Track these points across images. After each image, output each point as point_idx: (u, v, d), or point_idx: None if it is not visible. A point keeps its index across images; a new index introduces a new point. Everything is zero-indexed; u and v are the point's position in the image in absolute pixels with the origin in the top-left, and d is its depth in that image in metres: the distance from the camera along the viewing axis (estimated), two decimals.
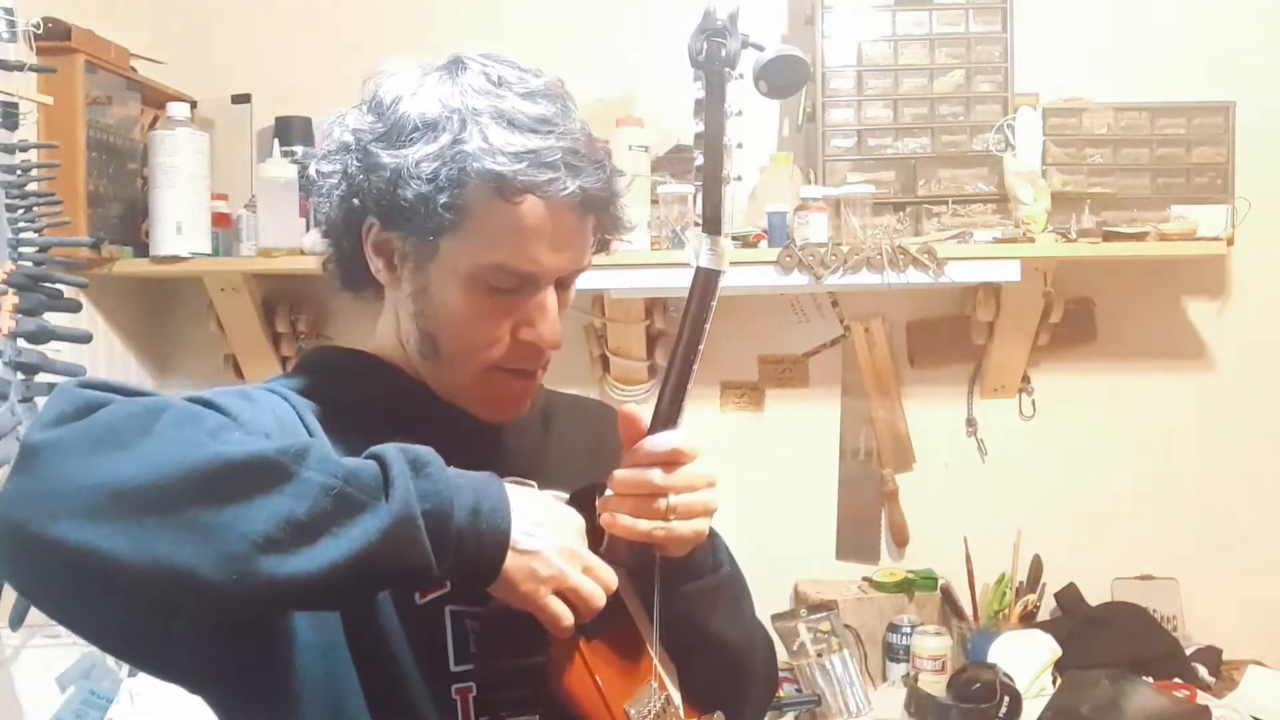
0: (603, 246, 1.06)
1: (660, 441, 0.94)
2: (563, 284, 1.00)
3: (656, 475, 0.93)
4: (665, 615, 0.98)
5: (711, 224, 0.95)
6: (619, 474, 0.95)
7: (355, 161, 0.96)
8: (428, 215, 0.92)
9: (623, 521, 0.93)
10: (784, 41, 2.57)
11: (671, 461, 0.94)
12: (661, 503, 0.93)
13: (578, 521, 0.93)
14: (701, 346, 0.95)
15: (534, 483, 1.02)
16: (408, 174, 0.92)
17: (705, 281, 0.95)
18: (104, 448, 0.76)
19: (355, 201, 0.96)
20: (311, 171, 1.00)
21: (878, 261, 2.10)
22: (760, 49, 1.10)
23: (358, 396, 1.01)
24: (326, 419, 0.96)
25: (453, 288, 0.96)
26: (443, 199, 0.91)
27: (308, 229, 2.25)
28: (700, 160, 0.96)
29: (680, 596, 1.00)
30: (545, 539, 0.88)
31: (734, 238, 2.18)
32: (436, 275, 0.96)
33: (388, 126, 0.94)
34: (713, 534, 1.05)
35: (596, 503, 0.97)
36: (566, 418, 1.15)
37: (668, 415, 0.96)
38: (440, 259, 0.95)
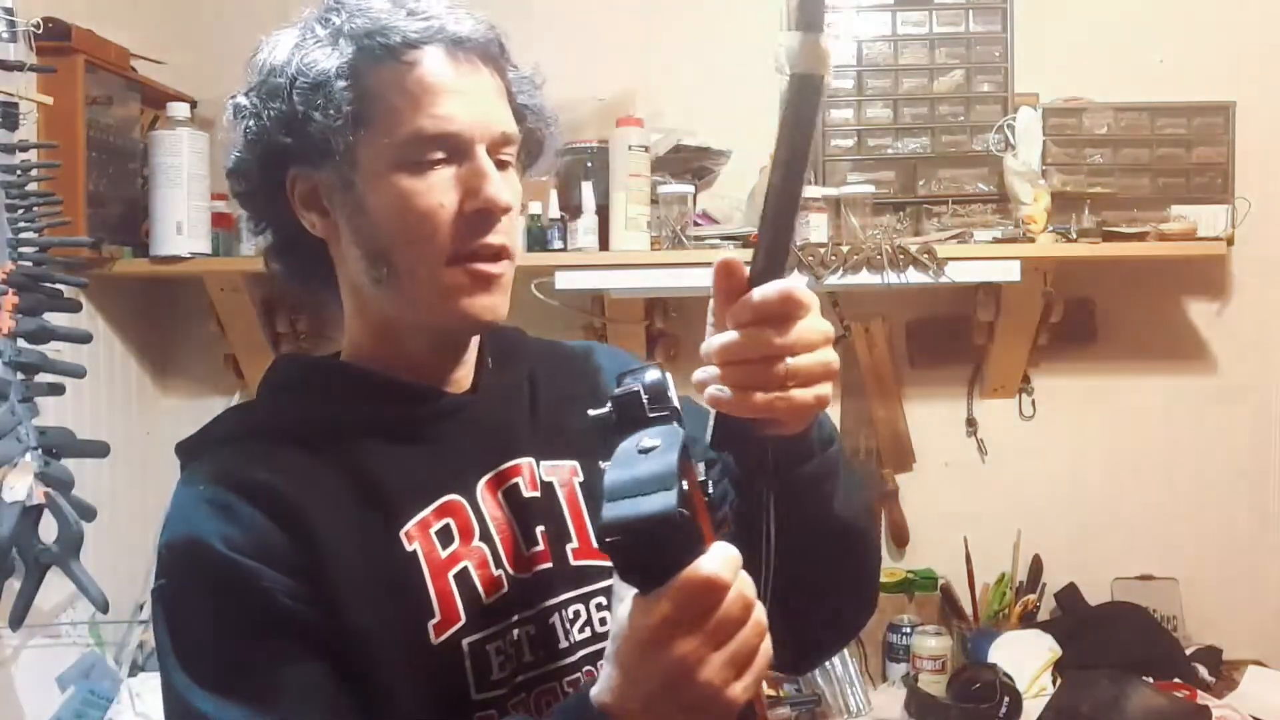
0: (530, 137, 0.99)
1: (771, 291, 0.78)
2: (496, 158, 0.93)
3: (771, 333, 0.79)
4: (783, 508, 0.83)
5: (808, 14, 0.76)
6: (720, 339, 0.80)
7: (254, 124, 0.93)
8: (335, 118, 0.88)
9: (741, 396, 0.79)
10: None
11: (786, 316, 0.79)
12: (780, 367, 0.78)
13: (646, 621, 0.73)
14: (805, 175, 0.80)
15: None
16: (299, 88, 0.90)
17: (800, 91, 0.77)
18: None
19: (269, 159, 0.93)
20: (227, 168, 0.98)
21: (878, 261, 2.09)
22: None
23: (327, 412, 0.96)
24: (302, 445, 0.91)
25: (383, 187, 0.90)
26: (340, 87, 0.89)
27: None
28: None
29: (799, 482, 0.87)
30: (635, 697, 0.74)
31: (734, 238, 2.21)
32: (365, 186, 0.91)
33: (264, 75, 0.94)
34: None
35: (667, 391, 0.80)
36: (548, 371, 1.06)
37: (770, 264, 0.80)
38: (363, 168, 0.91)
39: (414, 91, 0.89)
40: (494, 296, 0.93)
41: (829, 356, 0.81)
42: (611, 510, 0.70)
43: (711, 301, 0.83)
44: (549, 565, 0.96)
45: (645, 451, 0.74)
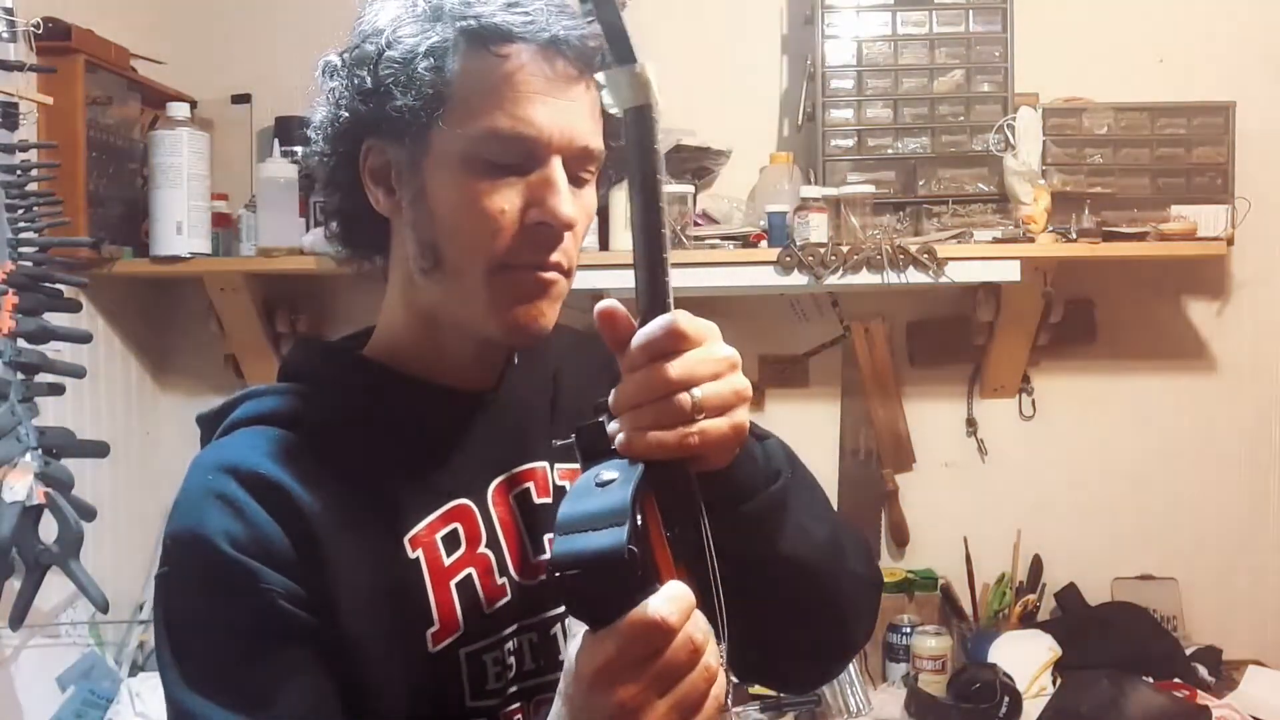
0: (616, 156, 0.93)
1: (655, 327, 0.76)
2: (575, 173, 0.88)
3: (668, 367, 0.75)
4: (724, 549, 0.78)
5: (616, 49, 0.74)
6: (619, 388, 0.77)
7: (340, 86, 0.90)
8: (415, 95, 0.85)
9: (647, 439, 0.74)
10: (784, 41, 2.59)
11: (675, 349, 0.75)
12: (684, 398, 0.74)
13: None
14: (663, 204, 0.76)
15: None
16: (386, 60, 0.86)
17: (636, 124, 0.75)
18: None
19: (347, 125, 0.90)
20: (309, 133, 0.94)
21: (878, 261, 2.09)
22: None
23: (345, 408, 0.93)
24: (314, 440, 0.90)
25: (448, 178, 0.87)
26: (423, 65, 0.85)
27: (308, 229, 2.25)
28: None
29: (740, 521, 0.83)
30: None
31: (733, 237, 2.21)
32: (432, 172, 0.88)
33: (359, 39, 0.90)
34: (760, 436, 0.88)
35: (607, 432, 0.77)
36: (573, 369, 1.03)
37: (652, 301, 0.76)
38: (433, 151, 0.87)
39: (499, 87, 0.85)
40: (542, 308, 0.90)
41: (737, 383, 0.77)
42: (561, 545, 0.69)
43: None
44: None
45: (603, 485, 0.72)
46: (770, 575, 0.86)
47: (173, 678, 0.84)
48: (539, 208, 0.86)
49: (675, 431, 0.74)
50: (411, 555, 0.88)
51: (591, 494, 0.72)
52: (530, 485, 0.96)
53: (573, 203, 0.87)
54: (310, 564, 0.84)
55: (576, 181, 0.89)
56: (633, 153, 0.75)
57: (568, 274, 0.91)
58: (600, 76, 0.72)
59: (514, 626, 0.92)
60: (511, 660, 0.92)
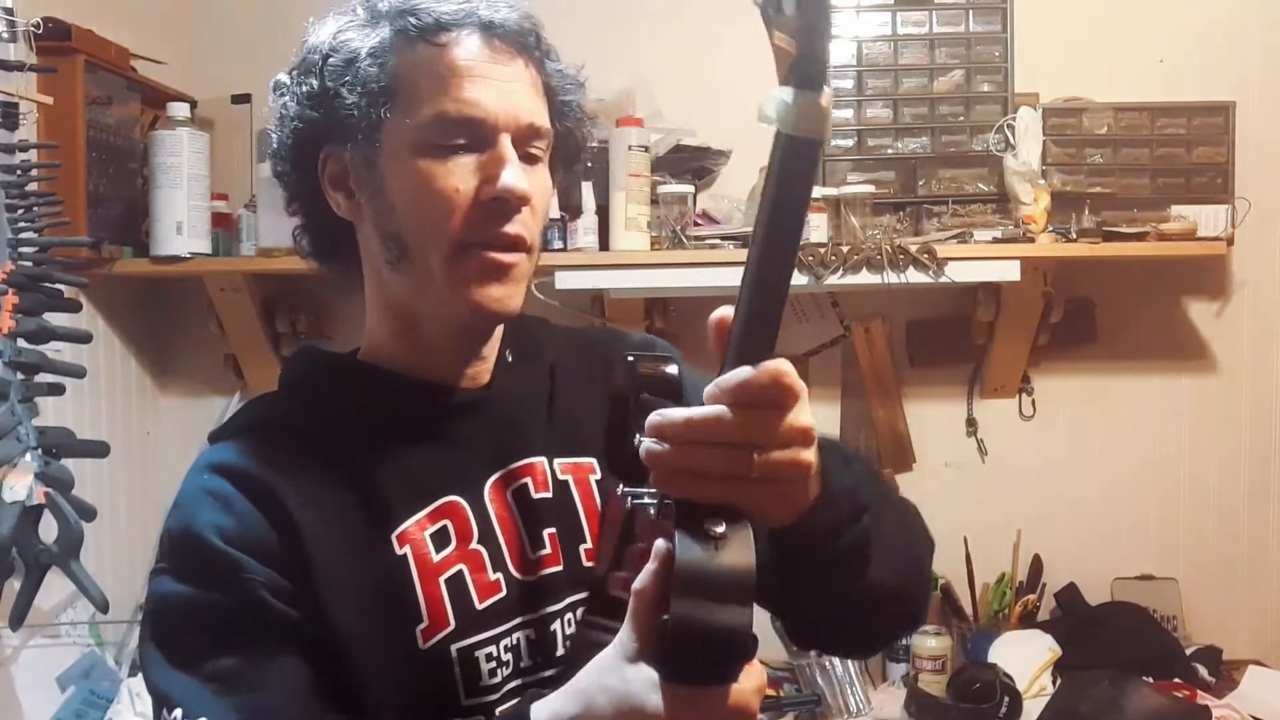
0: (567, 136, 0.97)
1: (764, 373, 0.69)
2: (524, 150, 0.91)
3: (750, 418, 0.69)
4: (811, 592, 0.79)
5: (807, 71, 0.67)
6: (683, 414, 0.70)
7: (290, 99, 0.93)
8: (361, 92, 0.89)
9: (692, 481, 0.70)
10: None
11: (775, 403, 0.70)
12: (753, 457, 0.69)
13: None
14: (797, 246, 0.70)
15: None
16: (330, 65, 0.90)
17: (791, 154, 0.70)
18: None
19: (301, 136, 0.93)
20: (269, 150, 0.97)
21: (878, 261, 2.09)
22: None
23: (339, 411, 0.95)
24: (306, 443, 0.92)
25: (402, 167, 0.89)
26: (366, 64, 0.89)
27: None
28: None
29: (819, 569, 0.81)
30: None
31: (733, 238, 2.21)
32: (386, 166, 0.90)
33: (304, 53, 0.94)
34: (846, 459, 0.83)
35: (641, 449, 0.72)
36: (569, 365, 1.04)
37: (759, 337, 0.69)
38: (386, 146, 0.90)
39: (441, 74, 0.89)
40: (506, 287, 0.91)
41: (807, 457, 0.72)
42: (684, 607, 0.67)
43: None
44: (558, 568, 0.95)
45: (715, 539, 0.69)
46: (857, 605, 0.87)
47: (154, 661, 0.87)
48: (491, 184, 0.89)
49: (726, 485, 0.70)
50: (399, 552, 0.90)
51: (705, 549, 0.69)
52: (528, 481, 0.96)
53: (525, 177, 0.89)
54: (296, 559, 0.86)
55: (527, 159, 0.91)
56: (780, 179, 0.70)
57: (529, 250, 0.93)
58: (779, 92, 0.67)
59: (512, 622, 0.92)
60: (508, 657, 0.92)
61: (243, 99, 2.39)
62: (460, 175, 0.89)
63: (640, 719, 0.70)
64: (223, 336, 2.38)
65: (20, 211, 1.80)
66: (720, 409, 0.69)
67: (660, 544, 0.72)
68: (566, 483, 0.98)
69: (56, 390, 1.82)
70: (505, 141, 0.89)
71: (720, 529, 0.69)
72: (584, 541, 0.97)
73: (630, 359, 0.82)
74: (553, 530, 0.95)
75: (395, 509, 0.91)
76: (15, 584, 1.76)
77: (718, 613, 0.67)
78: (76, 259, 2.00)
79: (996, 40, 2.23)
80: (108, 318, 2.26)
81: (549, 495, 0.96)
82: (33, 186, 1.84)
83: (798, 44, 0.67)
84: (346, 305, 2.41)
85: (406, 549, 0.90)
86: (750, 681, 0.70)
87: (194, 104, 2.30)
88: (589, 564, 0.96)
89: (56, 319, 1.84)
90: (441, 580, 0.90)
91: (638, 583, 0.72)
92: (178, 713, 0.83)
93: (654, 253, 2.13)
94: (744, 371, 0.69)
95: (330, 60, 0.90)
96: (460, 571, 0.91)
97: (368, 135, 0.90)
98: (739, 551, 0.69)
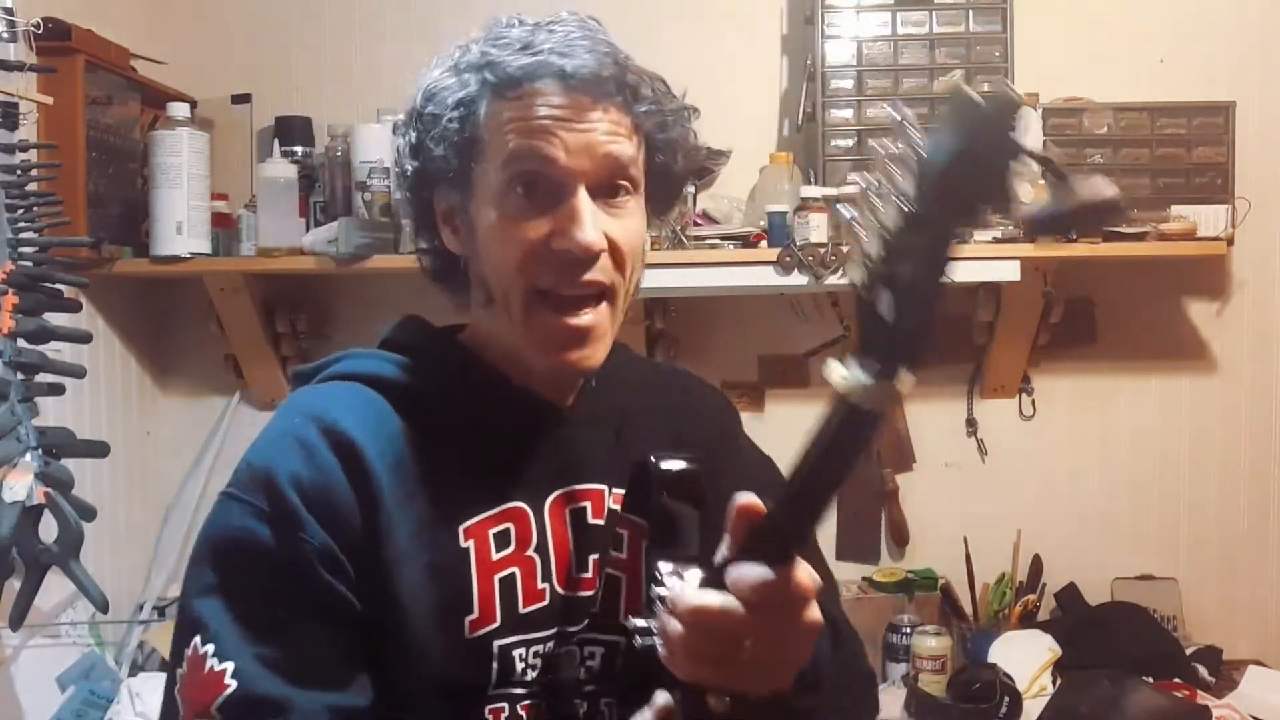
0: (662, 172, 0.98)
1: (768, 576, 0.70)
2: (609, 187, 0.93)
3: (757, 617, 0.71)
4: None
5: (890, 353, 0.65)
6: (697, 604, 0.72)
7: (402, 143, 0.97)
8: (448, 145, 0.93)
9: (679, 657, 0.74)
10: (784, 41, 2.59)
11: (785, 604, 0.72)
12: (741, 649, 0.72)
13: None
14: (835, 494, 0.71)
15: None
16: (423, 116, 0.94)
17: (850, 423, 0.67)
18: None
19: (413, 178, 0.98)
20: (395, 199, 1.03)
21: None
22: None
23: (438, 389, 0.98)
24: (400, 409, 0.95)
25: (487, 213, 0.93)
26: (452, 116, 0.92)
27: (308, 229, 2.25)
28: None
29: None
30: None
31: (733, 237, 2.21)
32: (477, 212, 0.94)
33: (412, 96, 0.97)
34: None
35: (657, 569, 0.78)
36: (641, 402, 1.06)
37: (782, 542, 0.71)
38: (476, 193, 0.94)
39: (518, 128, 0.91)
40: (585, 349, 0.93)
41: (791, 653, 0.76)
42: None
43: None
44: (591, 593, 0.98)
45: (715, 716, 0.75)
46: None
47: (196, 582, 0.89)
48: (563, 236, 0.90)
49: (720, 671, 0.74)
50: (464, 544, 0.93)
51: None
52: (588, 505, 0.99)
53: (597, 227, 0.90)
54: (370, 524, 0.89)
55: (611, 203, 0.93)
56: (838, 441, 0.68)
57: (612, 298, 0.94)
58: (856, 371, 0.65)
59: (549, 631, 0.95)
60: (538, 662, 0.95)
61: (243, 99, 2.39)
62: (535, 226, 0.91)
63: None
64: (223, 336, 2.38)
65: (20, 211, 1.80)
66: (732, 602, 0.71)
67: (661, 699, 0.77)
68: (615, 511, 1.01)
69: (56, 390, 1.82)
70: (580, 193, 0.91)
71: (717, 701, 0.73)
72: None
73: (652, 460, 0.85)
74: (596, 557, 0.98)
75: (469, 502, 0.94)
76: (15, 584, 1.76)
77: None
78: (76, 259, 1.99)
79: (996, 40, 2.23)
80: (108, 318, 2.26)
81: (601, 523, 0.99)
82: (33, 186, 1.84)
83: (894, 327, 0.64)
84: (347, 305, 2.41)
85: (470, 543, 0.93)
86: None
87: (194, 104, 2.30)
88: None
89: (56, 319, 1.84)
90: (496, 579, 0.93)
91: None
92: (210, 648, 0.85)
93: (654, 253, 2.12)
94: (763, 572, 0.70)
95: (425, 111, 0.94)
96: (514, 574, 0.94)
97: (461, 184, 0.94)
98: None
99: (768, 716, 0.77)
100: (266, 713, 0.84)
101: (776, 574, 0.70)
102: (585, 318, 0.92)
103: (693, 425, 1.07)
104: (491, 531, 0.94)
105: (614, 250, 0.92)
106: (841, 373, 0.65)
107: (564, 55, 0.91)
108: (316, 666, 0.86)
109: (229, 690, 0.84)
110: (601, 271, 0.92)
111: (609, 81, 0.92)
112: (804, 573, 0.72)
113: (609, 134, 0.92)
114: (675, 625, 0.73)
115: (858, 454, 0.68)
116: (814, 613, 0.74)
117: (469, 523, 0.93)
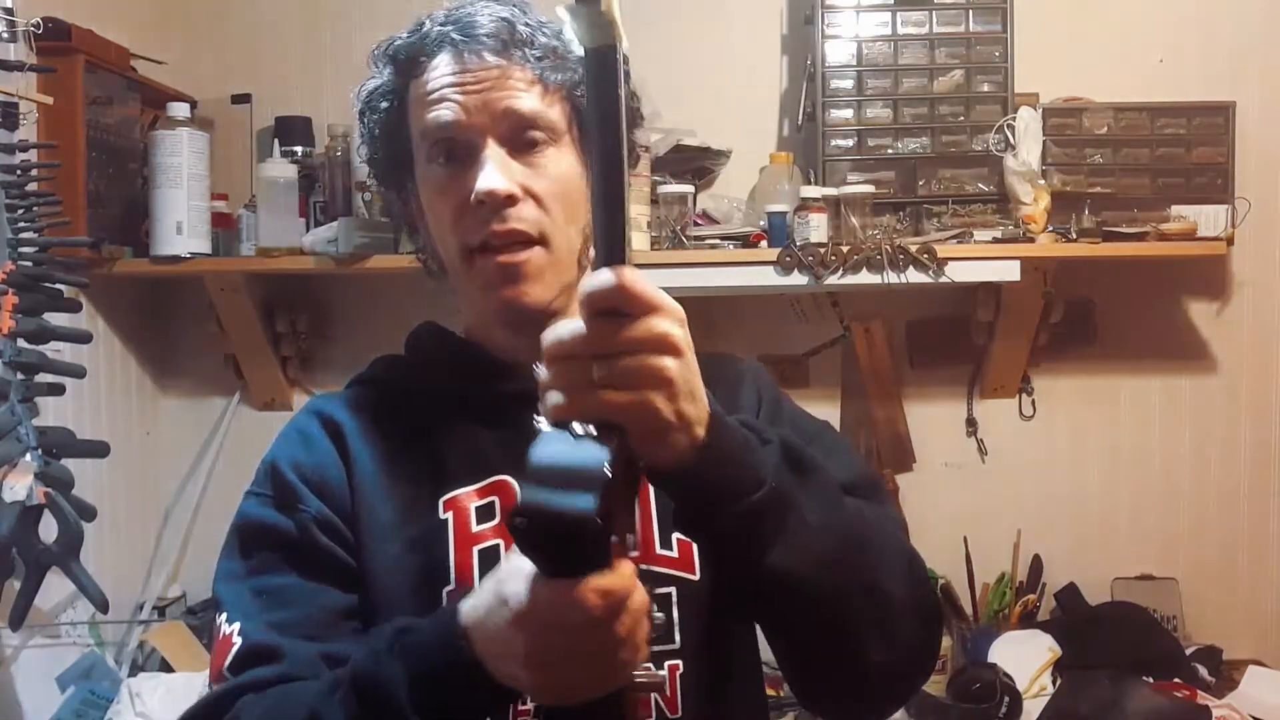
0: (579, 109, 0.99)
1: (598, 281, 0.69)
2: (519, 140, 0.96)
3: (570, 329, 0.70)
4: (714, 559, 0.82)
5: None
6: (552, 334, 0.72)
7: (365, 159, 1.07)
8: (387, 140, 1.01)
9: (548, 400, 0.71)
10: (784, 41, 2.59)
11: (610, 309, 0.70)
12: (597, 370, 0.69)
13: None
14: (624, 150, 0.70)
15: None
16: (361, 110, 1.03)
17: (596, 66, 0.68)
18: None
19: (383, 183, 1.07)
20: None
21: (878, 261, 2.09)
22: None
23: (431, 378, 1.05)
24: (395, 399, 1.03)
25: (421, 190, 1.01)
26: (379, 111, 1.01)
27: (308, 229, 2.25)
28: None
29: (715, 533, 0.79)
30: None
31: (733, 237, 2.21)
32: (418, 194, 1.02)
33: (357, 108, 1.06)
34: (758, 434, 0.83)
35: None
36: None
37: (608, 249, 0.71)
38: (416, 175, 1.02)
39: (422, 100, 0.98)
40: (521, 285, 0.96)
41: (661, 362, 0.71)
42: (529, 493, 0.67)
43: None
44: None
45: (576, 438, 0.69)
46: (760, 591, 0.82)
47: (222, 571, 0.98)
48: (473, 189, 0.95)
49: (572, 398, 0.70)
50: (441, 516, 0.97)
51: (562, 444, 0.69)
52: None
53: (505, 176, 0.94)
54: (351, 500, 0.98)
55: (524, 148, 0.97)
56: (591, 93, 0.69)
57: (540, 241, 0.96)
58: (562, 11, 0.66)
59: None
60: None
61: (243, 99, 2.39)
62: (455, 188, 0.97)
63: (503, 606, 0.73)
64: (223, 336, 2.38)
65: (20, 211, 1.80)
66: (577, 323, 0.70)
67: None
68: None
69: (56, 390, 1.82)
70: (488, 148, 0.95)
71: (583, 430, 0.69)
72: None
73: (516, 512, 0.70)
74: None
75: (451, 477, 0.98)
76: (15, 584, 1.76)
77: (560, 498, 0.66)
78: (76, 259, 1.99)
79: (996, 40, 2.23)
80: (108, 318, 2.26)
81: None
82: (33, 186, 1.84)
83: None
84: (347, 305, 2.41)
85: (449, 515, 0.96)
86: (600, 581, 0.68)
87: (194, 104, 2.30)
88: None
89: (56, 319, 1.84)
90: (476, 550, 0.95)
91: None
92: (224, 616, 0.94)
93: (654, 253, 2.13)
94: (587, 282, 0.70)
95: (363, 111, 1.03)
96: (496, 546, 0.96)
97: (407, 171, 1.02)
98: (595, 449, 0.68)
99: (681, 501, 0.79)
100: (264, 659, 0.89)
101: (598, 277, 0.69)
102: (518, 255, 0.96)
103: (726, 376, 1.05)
104: (474, 505, 0.96)
105: (535, 198, 0.96)
106: (565, 32, 0.68)
107: (452, 24, 0.97)
108: (314, 622, 0.92)
109: (235, 647, 0.91)
110: (521, 220, 0.95)
111: (496, 39, 0.96)
112: (631, 277, 0.70)
113: (506, 90, 0.96)
114: (541, 371, 0.71)
115: (616, 96, 0.68)
116: (664, 324, 0.72)
117: (450, 495, 0.97)
